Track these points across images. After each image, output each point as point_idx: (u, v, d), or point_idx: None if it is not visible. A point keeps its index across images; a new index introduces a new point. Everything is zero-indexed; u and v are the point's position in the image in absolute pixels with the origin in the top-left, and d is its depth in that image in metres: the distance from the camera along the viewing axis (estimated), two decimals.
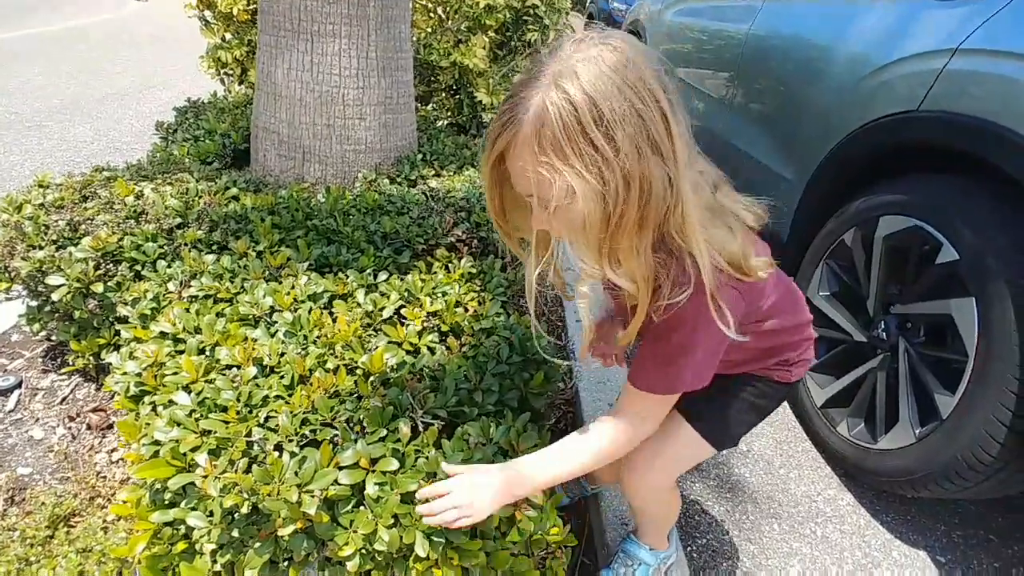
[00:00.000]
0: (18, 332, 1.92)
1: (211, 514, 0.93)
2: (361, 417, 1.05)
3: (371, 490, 0.93)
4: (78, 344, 1.56)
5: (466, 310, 1.40)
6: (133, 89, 5.09)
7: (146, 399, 1.12)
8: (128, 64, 5.91)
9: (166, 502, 0.99)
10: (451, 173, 2.19)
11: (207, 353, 1.19)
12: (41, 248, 1.52)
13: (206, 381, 1.11)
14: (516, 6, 3.32)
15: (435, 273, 1.53)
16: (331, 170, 2.08)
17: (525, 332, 1.32)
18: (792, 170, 2.00)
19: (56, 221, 1.61)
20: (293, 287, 1.38)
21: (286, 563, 0.94)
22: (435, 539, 0.90)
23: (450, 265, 1.57)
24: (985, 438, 1.25)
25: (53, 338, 1.76)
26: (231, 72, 3.24)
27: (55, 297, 1.44)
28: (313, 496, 0.89)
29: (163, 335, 1.24)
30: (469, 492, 0.86)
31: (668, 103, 0.66)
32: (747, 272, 0.76)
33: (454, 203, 1.87)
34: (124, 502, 1.04)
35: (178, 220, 1.64)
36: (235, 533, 0.94)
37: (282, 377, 1.12)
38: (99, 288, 1.45)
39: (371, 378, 1.13)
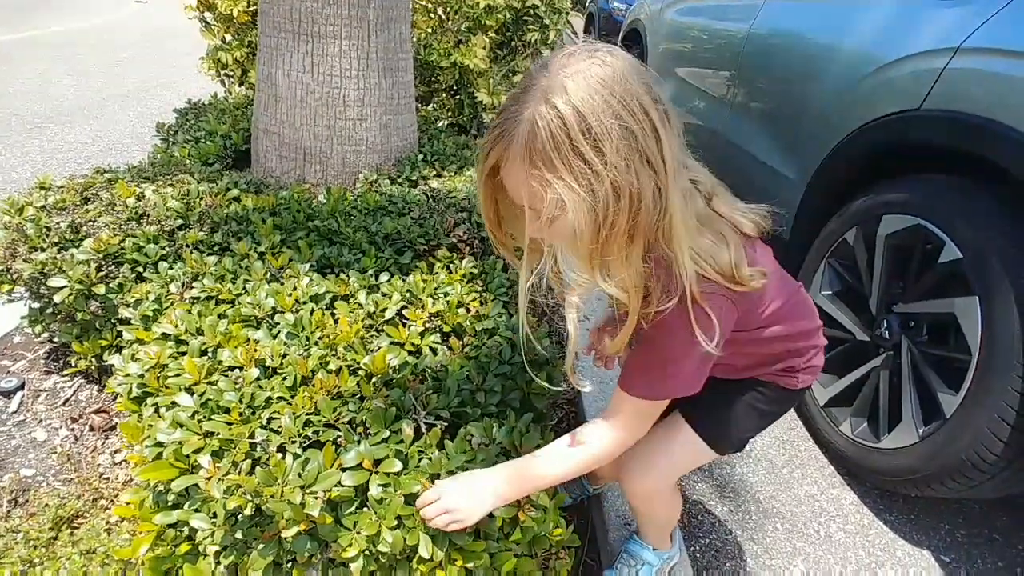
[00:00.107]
0: (20, 334, 1.92)
1: (214, 516, 0.93)
2: (364, 418, 1.05)
3: (374, 491, 0.93)
4: (80, 346, 1.56)
5: (468, 310, 1.40)
6: (134, 91, 5.09)
7: (148, 401, 1.12)
8: (128, 66, 5.92)
9: (169, 504, 0.99)
10: (452, 173, 2.19)
11: (209, 354, 1.19)
12: (43, 250, 1.52)
13: (208, 383, 1.11)
14: (516, 6, 3.32)
15: (437, 274, 1.53)
16: (332, 171, 2.08)
17: (526, 333, 1.32)
18: (794, 169, 1.99)
19: (58, 223, 1.61)
20: (295, 288, 1.38)
21: (290, 565, 0.94)
22: (438, 540, 0.90)
23: (452, 266, 1.57)
24: (989, 437, 1.24)
25: (55, 340, 1.76)
26: (231, 73, 3.24)
27: (57, 299, 1.44)
28: (316, 497, 0.89)
29: (165, 336, 1.24)
30: (459, 497, 0.88)
31: (658, 114, 0.67)
32: (739, 281, 0.77)
33: (455, 203, 1.87)
34: (127, 504, 1.04)
35: (179, 221, 1.64)
36: (238, 535, 0.94)
37: (284, 378, 1.12)
38: (101, 290, 1.45)
39: (373, 379, 1.13)
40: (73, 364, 1.64)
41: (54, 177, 1.87)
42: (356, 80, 1.97)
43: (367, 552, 0.90)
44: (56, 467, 1.49)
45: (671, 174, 0.69)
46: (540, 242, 0.80)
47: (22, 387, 1.72)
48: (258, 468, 0.94)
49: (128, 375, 1.15)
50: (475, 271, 1.55)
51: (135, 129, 4.17)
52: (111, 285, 1.47)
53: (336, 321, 1.28)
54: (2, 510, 1.36)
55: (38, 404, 1.68)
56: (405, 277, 1.50)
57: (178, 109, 2.75)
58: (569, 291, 0.81)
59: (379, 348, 1.22)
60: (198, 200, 1.75)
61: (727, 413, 1.01)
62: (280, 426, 1.01)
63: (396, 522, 0.91)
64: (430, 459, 0.98)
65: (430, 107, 3.27)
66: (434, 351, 1.27)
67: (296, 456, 0.97)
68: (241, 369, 1.14)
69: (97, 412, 1.64)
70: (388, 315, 1.33)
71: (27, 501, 1.39)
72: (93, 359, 1.59)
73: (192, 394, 1.08)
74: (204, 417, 1.03)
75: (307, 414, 1.04)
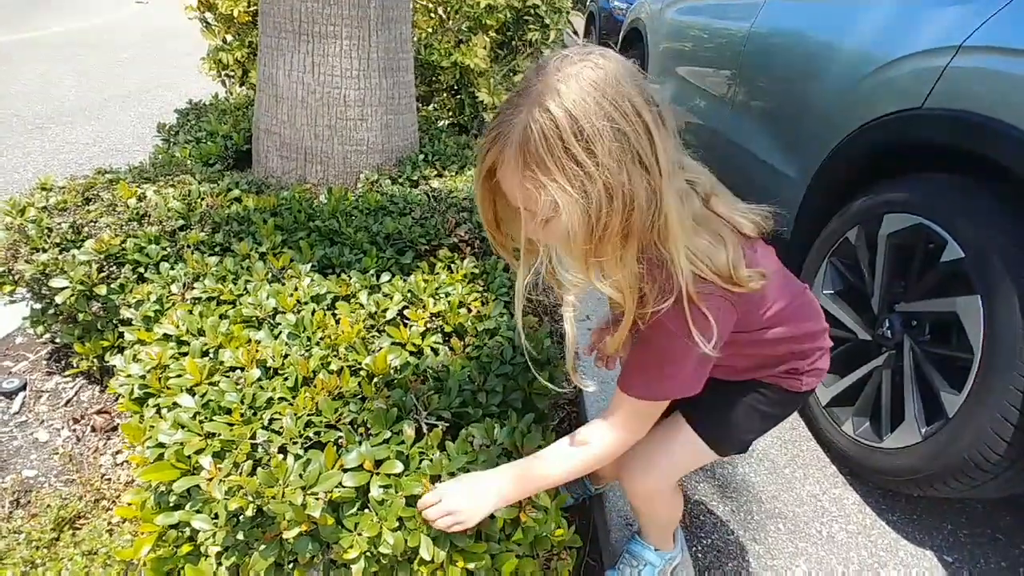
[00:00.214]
0: (22, 335, 1.93)
1: (216, 517, 0.93)
2: (365, 419, 1.05)
3: (375, 492, 0.93)
4: (82, 346, 1.56)
5: (469, 311, 1.40)
6: (134, 91, 5.10)
7: (150, 401, 1.12)
8: (129, 66, 5.92)
9: (171, 505, 0.99)
10: (453, 173, 2.18)
11: (211, 355, 1.19)
12: (44, 251, 1.52)
13: (210, 383, 1.11)
14: (517, 6, 3.32)
15: (438, 274, 1.53)
16: (333, 171, 2.08)
17: (528, 333, 1.32)
18: (795, 168, 1.99)
19: (59, 224, 1.61)
20: (296, 289, 1.38)
21: (291, 565, 0.94)
22: (439, 542, 0.90)
23: (453, 266, 1.57)
24: (992, 436, 1.24)
25: (57, 340, 1.76)
26: (232, 74, 3.24)
27: (59, 300, 1.44)
28: (318, 499, 0.89)
29: (167, 337, 1.24)
30: (461, 498, 0.89)
31: (651, 115, 0.68)
32: (737, 282, 0.77)
33: (456, 203, 1.87)
34: (129, 504, 1.04)
35: (181, 222, 1.64)
36: (240, 536, 0.94)
37: (286, 379, 1.12)
38: (102, 290, 1.45)
39: (375, 379, 1.13)
40: (75, 365, 1.64)
41: (55, 178, 1.87)
42: (357, 80, 1.97)
43: (368, 553, 0.90)
44: (58, 468, 1.49)
45: (665, 175, 0.69)
46: (536, 243, 0.81)
47: (24, 388, 1.72)
48: (259, 469, 0.94)
49: (130, 376, 1.16)
50: (476, 271, 1.55)
51: (136, 130, 4.18)
52: (112, 286, 1.47)
53: (337, 321, 1.28)
54: (4, 511, 1.36)
55: (40, 405, 1.68)
56: (406, 277, 1.50)
57: (179, 109, 2.75)
58: (565, 291, 0.82)
59: (380, 348, 1.22)
60: (199, 201, 1.75)
61: (728, 414, 1.01)
62: (281, 427, 1.01)
63: (397, 523, 0.91)
64: (431, 460, 0.98)
65: (431, 107, 3.26)
66: (435, 351, 1.26)
67: (297, 457, 0.97)
68: (242, 370, 1.14)
69: (99, 413, 1.64)
70: (389, 315, 1.33)
71: (29, 502, 1.39)
72: (95, 360, 1.59)
73: (193, 395, 1.08)
74: (205, 418, 1.03)
75: (308, 415, 1.04)
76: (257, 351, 1.17)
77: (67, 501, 1.36)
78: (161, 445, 0.99)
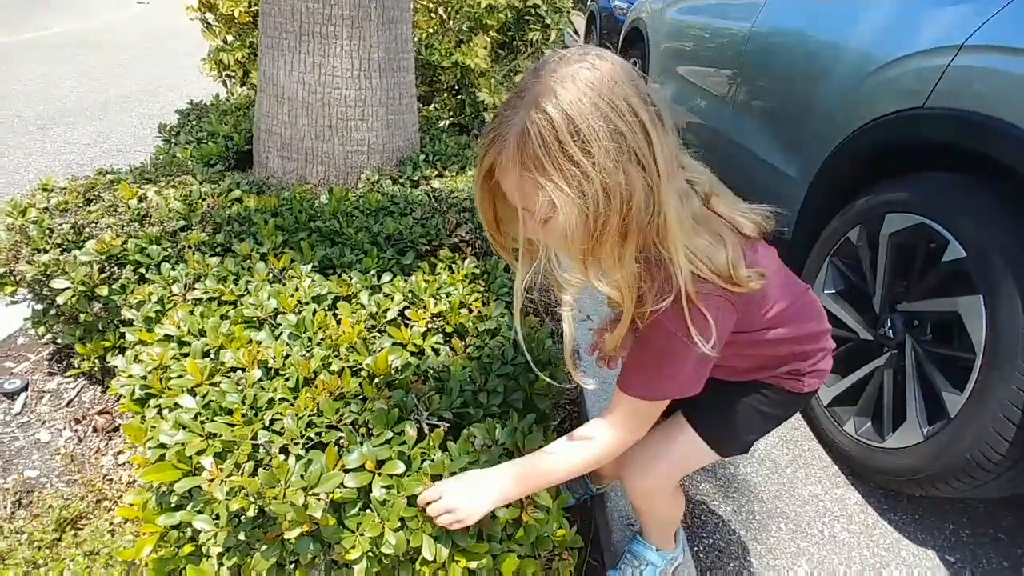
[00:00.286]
0: (24, 335, 1.93)
1: (217, 517, 0.93)
2: (366, 419, 1.05)
3: (377, 493, 0.93)
4: (83, 347, 1.56)
5: (470, 311, 1.40)
6: (135, 92, 5.10)
7: (151, 402, 1.12)
8: (130, 67, 5.93)
9: (172, 505, 0.99)
10: (454, 173, 2.18)
11: (212, 356, 1.19)
12: (46, 252, 1.53)
13: (211, 384, 1.11)
14: (517, 6, 3.32)
15: (439, 274, 1.53)
16: (334, 171, 2.08)
17: (529, 333, 1.32)
18: (796, 168, 1.99)
19: (60, 224, 1.61)
20: (297, 289, 1.38)
21: (292, 566, 0.94)
22: (441, 541, 0.90)
23: (454, 266, 1.57)
24: (993, 436, 1.24)
25: (59, 341, 1.76)
26: (233, 74, 3.24)
27: (60, 300, 1.44)
28: (319, 499, 0.89)
29: (168, 338, 1.24)
30: (461, 496, 0.89)
31: (648, 115, 0.68)
32: (736, 282, 0.77)
33: (457, 204, 1.87)
34: (131, 505, 1.04)
35: (182, 223, 1.64)
36: (241, 536, 0.94)
37: (287, 379, 1.12)
38: (104, 291, 1.45)
39: (376, 380, 1.13)
40: (76, 365, 1.64)
41: (57, 179, 1.87)
42: (357, 80, 1.97)
43: (370, 554, 0.90)
44: (60, 468, 1.49)
45: (664, 174, 0.69)
46: (536, 243, 0.81)
47: (26, 388, 1.72)
48: (261, 470, 0.94)
49: (131, 376, 1.16)
50: (477, 271, 1.54)
51: (137, 130, 4.18)
52: (114, 286, 1.47)
53: (338, 322, 1.28)
54: (6, 511, 1.36)
55: (42, 405, 1.68)
56: (407, 278, 1.50)
57: (180, 110, 2.75)
58: (562, 291, 0.82)
59: (381, 349, 1.22)
60: (200, 201, 1.75)
61: (729, 415, 1.01)
62: (283, 427, 1.01)
63: (399, 523, 0.91)
64: (433, 460, 0.98)
65: (432, 107, 3.26)
66: (436, 352, 1.26)
67: (299, 457, 0.97)
68: (243, 370, 1.14)
69: (100, 413, 1.64)
70: (390, 316, 1.33)
71: (31, 502, 1.39)
72: (96, 360, 1.59)
73: (195, 395, 1.08)
74: (207, 418, 1.03)
75: (309, 415, 1.04)
76: (258, 352, 1.17)
77: (69, 501, 1.36)
78: (162, 446, 0.99)
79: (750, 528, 1.48)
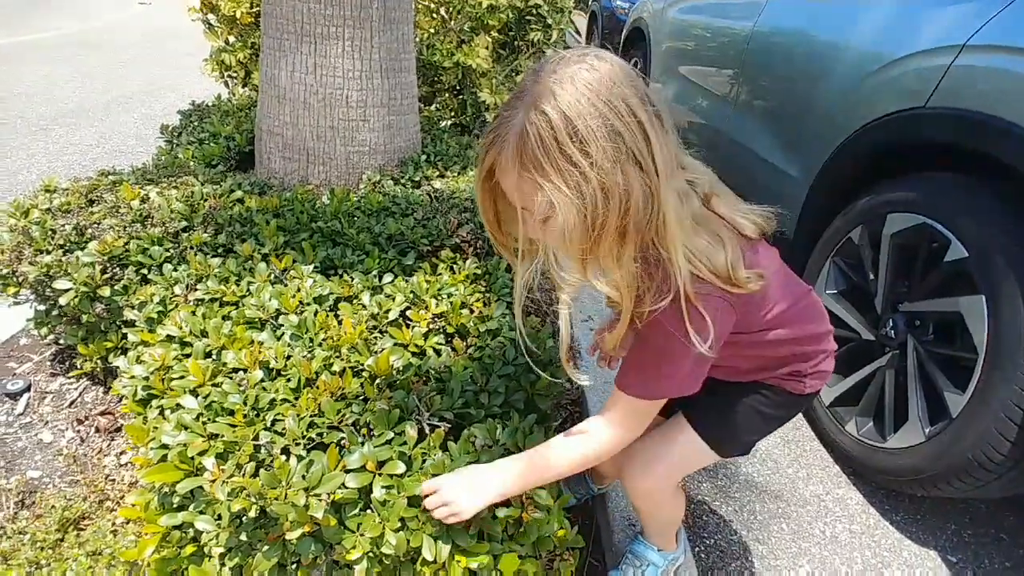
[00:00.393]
0: (26, 336, 1.93)
1: (219, 518, 0.93)
2: (368, 420, 1.05)
3: (378, 493, 0.93)
4: (86, 348, 1.57)
5: (471, 311, 1.40)
6: (137, 92, 5.11)
7: (153, 403, 1.12)
8: (132, 67, 5.94)
9: (174, 506, 0.99)
10: (455, 174, 2.18)
11: (214, 356, 1.20)
12: (48, 253, 1.53)
13: (213, 384, 1.11)
14: (519, 6, 3.32)
15: (440, 274, 1.53)
16: (335, 172, 2.08)
17: (530, 333, 1.32)
18: (797, 167, 1.99)
19: (63, 225, 1.61)
20: (298, 290, 1.38)
21: (294, 566, 0.95)
22: (442, 539, 0.90)
23: (455, 266, 1.57)
24: (995, 436, 1.24)
25: (61, 342, 1.77)
26: (235, 75, 3.24)
27: (63, 301, 1.45)
28: (320, 500, 0.90)
29: (170, 338, 1.24)
30: (459, 490, 0.89)
31: (647, 115, 0.68)
32: (735, 283, 0.77)
33: (458, 204, 1.87)
34: (133, 505, 1.04)
35: (183, 223, 1.64)
36: (243, 537, 0.94)
37: (288, 380, 1.12)
38: (106, 292, 1.45)
39: (377, 380, 1.14)
40: (79, 366, 1.65)
41: (59, 179, 1.87)
42: (359, 81, 1.97)
43: (371, 554, 0.90)
44: (62, 469, 1.50)
45: (662, 174, 0.70)
46: (537, 242, 0.82)
47: (28, 389, 1.73)
48: (262, 470, 0.94)
49: (133, 377, 1.16)
50: (479, 272, 1.55)
51: (139, 131, 4.19)
52: (116, 287, 1.47)
53: (340, 322, 1.28)
54: (9, 512, 1.36)
55: (44, 406, 1.69)
56: (408, 278, 1.50)
57: (182, 111, 2.75)
58: (560, 290, 0.83)
59: (383, 349, 1.22)
60: (202, 202, 1.76)
61: (729, 415, 1.01)
62: (284, 428, 1.02)
63: (400, 524, 0.91)
64: (434, 461, 0.98)
65: (433, 107, 3.26)
66: (438, 352, 1.27)
67: (300, 458, 0.97)
68: (245, 371, 1.15)
69: (103, 414, 1.64)
70: (392, 316, 1.33)
71: (34, 503, 1.39)
72: (98, 361, 1.59)
73: (197, 396, 1.08)
74: (209, 419, 1.04)
75: (311, 416, 1.04)
76: (260, 352, 1.17)
77: (71, 502, 1.37)
78: (165, 446, 0.99)
79: (751, 528, 1.47)
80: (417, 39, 3.09)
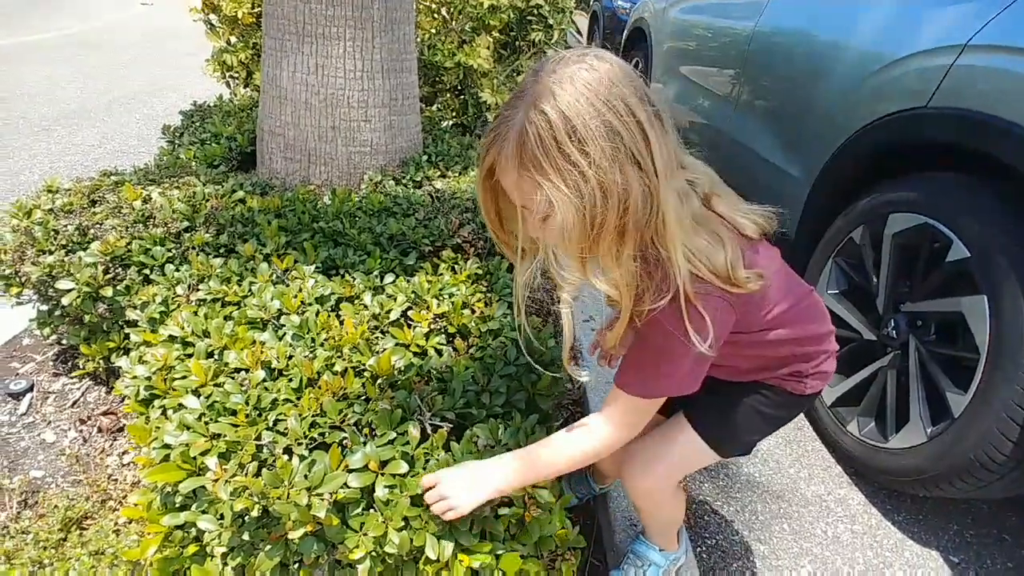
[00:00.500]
0: (29, 336, 1.94)
1: (221, 517, 0.93)
2: (370, 420, 1.05)
3: (380, 493, 0.93)
4: (88, 348, 1.57)
5: (473, 311, 1.40)
6: (139, 93, 5.12)
7: (156, 403, 1.13)
8: (134, 68, 5.95)
9: (177, 505, 0.99)
10: (456, 174, 2.19)
11: (216, 356, 1.20)
12: (51, 253, 1.53)
13: (215, 384, 1.11)
14: (520, 6, 3.32)
15: (442, 275, 1.53)
16: (337, 172, 2.08)
17: (532, 333, 1.32)
18: (799, 167, 1.99)
19: (65, 226, 1.62)
20: (300, 290, 1.38)
21: (296, 566, 0.95)
22: (444, 538, 0.91)
23: (456, 266, 1.57)
24: (997, 436, 1.24)
25: (64, 342, 1.77)
26: (236, 75, 3.25)
27: (65, 301, 1.45)
28: (323, 499, 0.90)
29: (172, 339, 1.25)
30: (458, 485, 0.90)
31: (646, 115, 0.69)
32: (735, 283, 0.77)
33: (460, 204, 1.87)
34: (135, 505, 1.05)
35: (185, 224, 1.65)
36: (245, 536, 0.94)
37: (290, 380, 1.13)
38: (108, 292, 1.46)
39: (379, 380, 1.14)
40: (81, 366, 1.65)
41: (61, 180, 1.88)
42: (360, 81, 1.98)
43: (374, 553, 0.90)
44: (65, 468, 1.50)
45: (662, 174, 0.70)
46: (537, 241, 0.82)
47: (31, 389, 1.73)
48: (265, 470, 0.94)
49: (135, 377, 1.16)
50: (480, 272, 1.55)
51: (141, 131, 4.20)
52: (118, 287, 1.47)
53: (341, 323, 1.28)
54: (12, 511, 1.37)
55: (47, 406, 1.69)
56: (410, 278, 1.50)
57: (184, 111, 2.76)
58: (560, 288, 0.83)
59: (384, 349, 1.22)
60: (204, 202, 1.76)
61: (729, 415, 1.01)
62: (286, 428, 1.02)
63: (403, 523, 0.91)
64: (436, 460, 0.98)
65: (434, 107, 3.27)
66: (439, 352, 1.27)
67: (302, 458, 0.98)
68: (247, 371, 1.15)
69: (105, 414, 1.65)
70: (393, 316, 1.34)
71: (36, 502, 1.40)
72: (101, 361, 1.60)
73: (199, 396, 1.09)
74: (211, 419, 1.04)
75: (313, 416, 1.04)
76: (262, 352, 1.17)
77: (74, 502, 1.37)
78: (167, 446, 0.99)
79: (753, 529, 1.47)
80: (418, 39, 3.09)
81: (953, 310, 1.39)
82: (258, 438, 1.00)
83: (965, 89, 1.40)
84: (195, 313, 1.31)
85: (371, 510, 0.94)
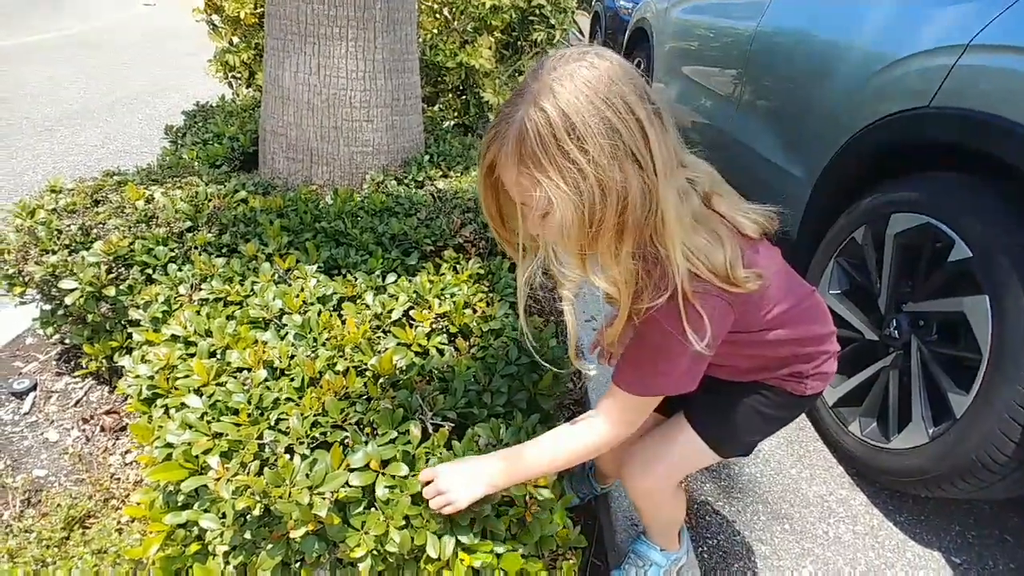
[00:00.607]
0: (32, 335, 1.94)
1: (223, 516, 0.93)
2: (371, 419, 1.05)
3: (381, 492, 0.93)
4: (91, 347, 1.57)
5: (474, 311, 1.40)
6: (142, 93, 5.13)
7: (158, 402, 1.13)
8: (136, 68, 5.96)
9: (179, 504, 1.00)
10: (458, 174, 2.19)
11: (218, 356, 1.20)
12: (54, 253, 1.54)
13: (217, 384, 1.12)
14: (522, 6, 3.32)
15: (443, 274, 1.53)
16: (339, 172, 2.09)
17: (533, 332, 1.32)
18: (801, 167, 1.98)
19: (68, 226, 1.62)
20: (302, 290, 1.39)
21: (298, 565, 0.95)
22: (445, 538, 0.91)
23: (458, 266, 1.57)
24: (999, 437, 1.23)
25: (67, 341, 1.78)
26: (239, 75, 3.25)
27: (68, 301, 1.46)
28: (324, 498, 0.90)
29: (174, 338, 1.25)
30: (452, 479, 0.90)
31: (646, 113, 0.69)
32: (734, 282, 0.77)
33: (462, 204, 1.88)
34: (138, 504, 1.05)
35: (188, 223, 1.65)
36: (247, 535, 0.94)
37: (292, 379, 1.13)
38: (111, 292, 1.46)
39: (381, 380, 1.14)
40: (84, 365, 1.65)
41: (64, 180, 1.88)
42: (362, 81, 1.98)
43: (375, 552, 0.90)
44: (68, 467, 1.50)
45: (661, 172, 0.70)
46: (538, 238, 0.83)
47: (34, 388, 1.74)
48: (266, 469, 0.94)
49: (138, 376, 1.17)
50: (482, 272, 1.55)
51: (144, 131, 4.21)
52: (121, 287, 1.48)
53: (343, 322, 1.28)
54: (15, 510, 1.37)
55: (50, 405, 1.70)
56: (412, 278, 1.50)
57: (186, 111, 2.76)
58: (561, 286, 0.83)
59: (386, 349, 1.22)
60: (206, 202, 1.76)
61: (729, 415, 1.01)
62: (288, 427, 1.02)
63: (404, 522, 0.91)
64: (438, 459, 0.98)
65: (436, 107, 3.27)
66: (441, 352, 1.27)
67: (304, 457, 0.98)
68: (249, 370, 1.15)
69: (108, 413, 1.65)
70: (395, 316, 1.34)
71: (40, 501, 1.40)
72: (104, 360, 1.60)
73: (201, 395, 1.09)
74: (213, 418, 1.04)
75: (315, 415, 1.04)
76: (264, 352, 1.17)
77: (77, 500, 1.38)
78: (169, 445, 1.00)
79: (754, 529, 1.47)
80: (420, 39, 3.10)
81: (955, 310, 1.38)
82: (260, 437, 1.01)
83: (967, 89, 1.40)
84: (197, 313, 1.32)
85: (372, 509, 0.94)
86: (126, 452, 1.55)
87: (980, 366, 1.29)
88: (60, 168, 3.47)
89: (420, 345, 1.26)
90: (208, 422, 1.03)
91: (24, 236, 1.59)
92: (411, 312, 1.36)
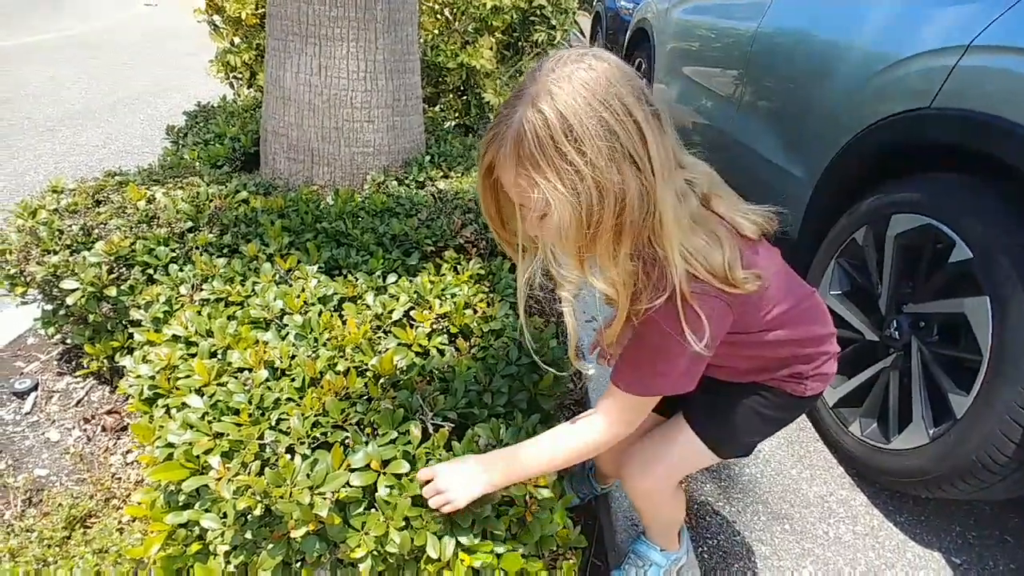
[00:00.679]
0: (34, 335, 1.95)
1: (224, 516, 0.94)
2: (372, 419, 1.06)
3: (382, 492, 0.94)
4: (92, 347, 1.58)
5: (475, 311, 1.40)
6: (143, 93, 5.14)
7: (159, 402, 1.13)
8: (138, 68, 5.97)
9: (180, 504, 1.00)
10: (459, 174, 2.19)
11: (219, 356, 1.20)
12: (55, 253, 1.54)
13: (218, 384, 1.12)
14: (523, 7, 3.32)
15: (444, 275, 1.53)
16: (340, 172, 2.09)
17: (534, 333, 1.32)
18: (802, 168, 1.98)
19: (70, 226, 1.63)
20: (303, 290, 1.39)
21: (299, 564, 0.95)
22: (445, 540, 0.91)
23: (459, 267, 1.57)
24: (1000, 438, 1.23)
25: (68, 341, 1.78)
26: (240, 76, 3.26)
27: (69, 301, 1.46)
28: (325, 498, 0.90)
29: (175, 338, 1.25)
30: (450, 478, 0.90)
31: (643, 114, 0.69)
32: (732, 283, 0.77)
33: (462, 205, 1.88)
34: (139, 504, 1.05)
35: (189, 224, 1.65)
36: (248, 535, 0.95)
37: (293, 380, 1.13)
38: (112, 292, 1.46)
39: (381, 380, 1.14)
40: (85, 365, 1.66)
41: (66, 180, 1.89)
42: (363, 82, 1.98)
43: (375, 552, 0.90)
44: (69, 467, 1.51)
45: (659, 173, 0.70)
46: (536, 239, 0.83)
47: (36, 388, 1.74)
48: (267, 469, 0.94)
49: (139, 376, 1.17)
50: (482, 272, 1.55)
51: (145, 132, 4.21)
52: (122, 287, 1.48)
53: (344, 322, 1.29)
54: (17, 509, 1.38)
55: (51, 405, 1.70)
56: (412, 278, 1.50)
57: (187, 112, 2.77)
58: (560, 287, 0.83)
59: (387, 349, 1.23)
60: (207, 202, 1.77)
61: (728, 416, 1.01)
62: (289, 427, 1.02)
63: (404, 522, 0.91)
64: (438, 460, 0.98)
65: (437, 108, 3.27)
66: (441, 352, 1.27)
67: (305, 457, 0.98)
68: (250, 371, 1.15)
69: (109, 413, 1.65)
70: (396, 316, 1.34)
71: (41, 501, 1.40)
72: (105, 360, 1.61)
73: (202, 395, 1.09)
74: (214, 418, 1.04)
75: (315, 415, 1.04)
76: (265, 352, 1.18)
77: (78, 500, 1.38)
78: (170, 445, 1.00)
79: (755, 529, 1.48)
80: (421, 40, 3.10)
81: (956, 311, 1.38)
82: (261, 437, 1.01)
83: (968, 90, 1.40)
84: (199, 313, 1.32)
85: (373, 509, 0.94)
86: (127, 452, 1.55)
87: (981, 367, 1.29)
88: (62, 168, 3.48)
89: (421, 345, 1.27)
90: (209, 422, 1.03)
91: (26, 236, 1.59)
92: (412, 312, 1.37)
